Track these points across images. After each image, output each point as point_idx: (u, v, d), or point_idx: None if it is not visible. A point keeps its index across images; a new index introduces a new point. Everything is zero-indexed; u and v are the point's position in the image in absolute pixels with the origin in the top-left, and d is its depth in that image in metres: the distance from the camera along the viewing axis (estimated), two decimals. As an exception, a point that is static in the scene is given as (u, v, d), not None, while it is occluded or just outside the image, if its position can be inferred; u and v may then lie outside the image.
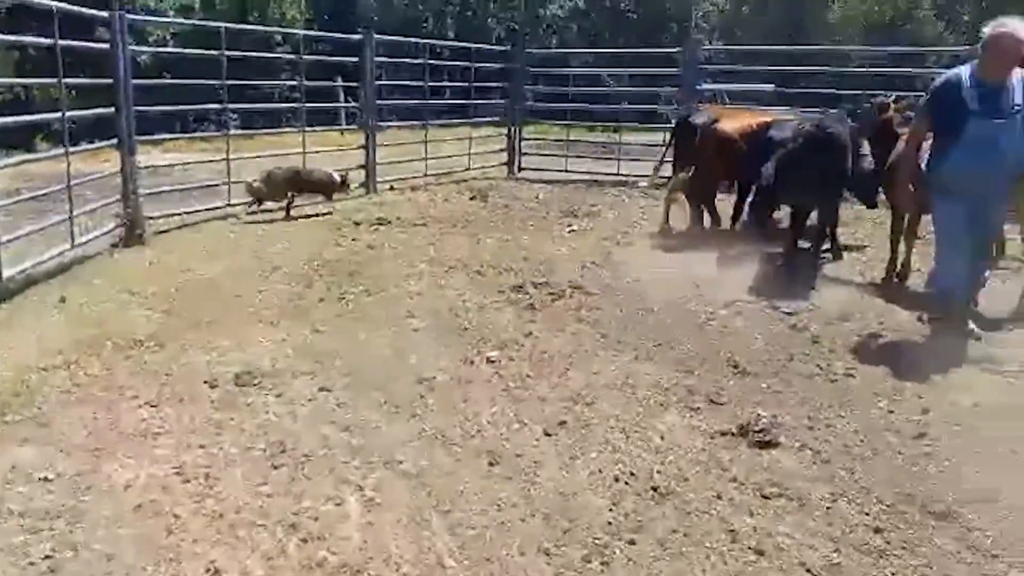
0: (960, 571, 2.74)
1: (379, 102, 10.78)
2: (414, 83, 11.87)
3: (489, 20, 34.10)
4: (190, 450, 3.46)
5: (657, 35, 31.17)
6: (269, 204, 8.50)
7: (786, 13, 37.47)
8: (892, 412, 3.93)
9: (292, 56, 11.47)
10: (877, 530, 2.96)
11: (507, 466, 3.40)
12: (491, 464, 3.41)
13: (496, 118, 12.95)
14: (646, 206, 9.39)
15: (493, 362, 4.52)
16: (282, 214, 8.40)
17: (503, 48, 14.25)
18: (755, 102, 16.29)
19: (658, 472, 3.36)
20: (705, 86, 15.54)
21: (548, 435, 3.68)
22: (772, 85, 16.19)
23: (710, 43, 33.14)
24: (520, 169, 12.22)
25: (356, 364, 4.40)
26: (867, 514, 3.07)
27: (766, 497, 3.17)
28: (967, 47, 11.29)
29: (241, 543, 2.83)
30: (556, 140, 13.02)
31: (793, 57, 17.45)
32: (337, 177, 8.72)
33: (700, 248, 6.97)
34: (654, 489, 3.22)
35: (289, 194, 8.44)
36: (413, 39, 12.94)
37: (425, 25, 31.93)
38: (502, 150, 12.28)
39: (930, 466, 3.43)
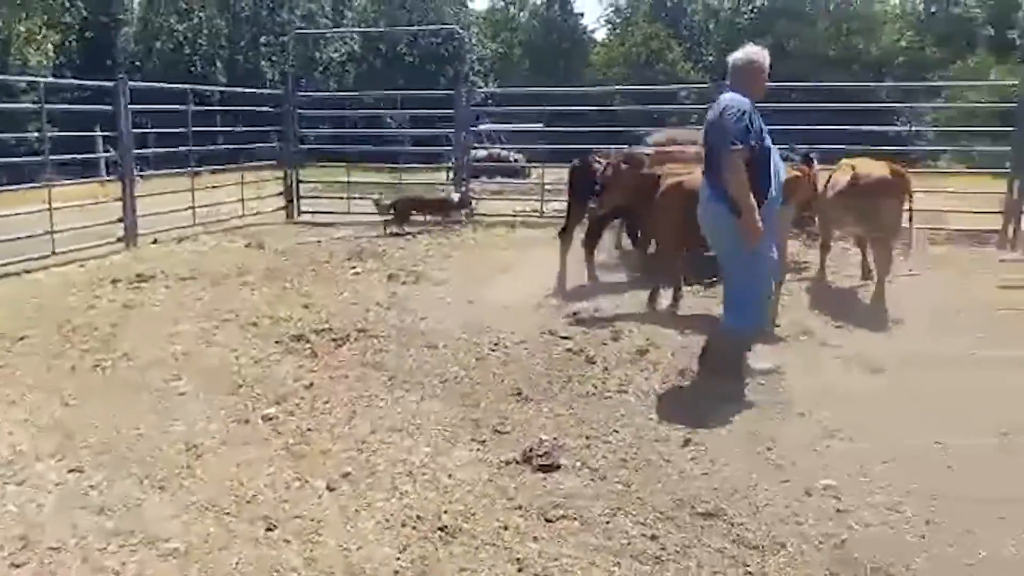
0: (727, 566, 2.92)
1: (140, 151, 10.06)
2: (177, 129, 11.21)
3: (262, 63, 33.26)
4: (-95, 560, 2.94)
5: (434, 78, 31.92)
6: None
7: (552, 57, 39.84)
8: (661, 423, 4.16)
9: (34, 105, 10.45)
10: (653, 537, 3.10)
11: (286, 529, 3.20)
12: (268, 530, 3.19)
13: (272, 162, 12.54)
14: (430, 244, 9.45)
15: (270, 419, 4.28)
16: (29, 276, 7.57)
17: (274, 91, 13.85)
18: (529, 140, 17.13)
19: (445, 512, 3.30)
20: (482, 126, 16.09)
21: (331, 490, 3.51)
22: (540, 124, 17.11)
23: (485, 85, 34.47)
24: (300, 213, 11.89)
25: (112, 438, 3.99)
26: (643, 523, 3.20)
27: (550, 520, 3.22)
28: (714, 82, 12.57)
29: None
30: (337, 182, 12.83)
31: (561, 97, 18.47)
32: (455, 197, 10.67)
33: (486, 282, 7.11)
34: (442, 529, 3.16)
35: (411, 213, 10.42)
36: (173, 84, 12.28)
37: (193, 69, 30.53)
38: (280, 194, 11.90)
39: (695, 470, 3.65)
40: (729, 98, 4.46)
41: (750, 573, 2.86)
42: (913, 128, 22.12)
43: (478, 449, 3.89)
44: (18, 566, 2.94)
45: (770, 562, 2.92)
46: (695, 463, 3.71)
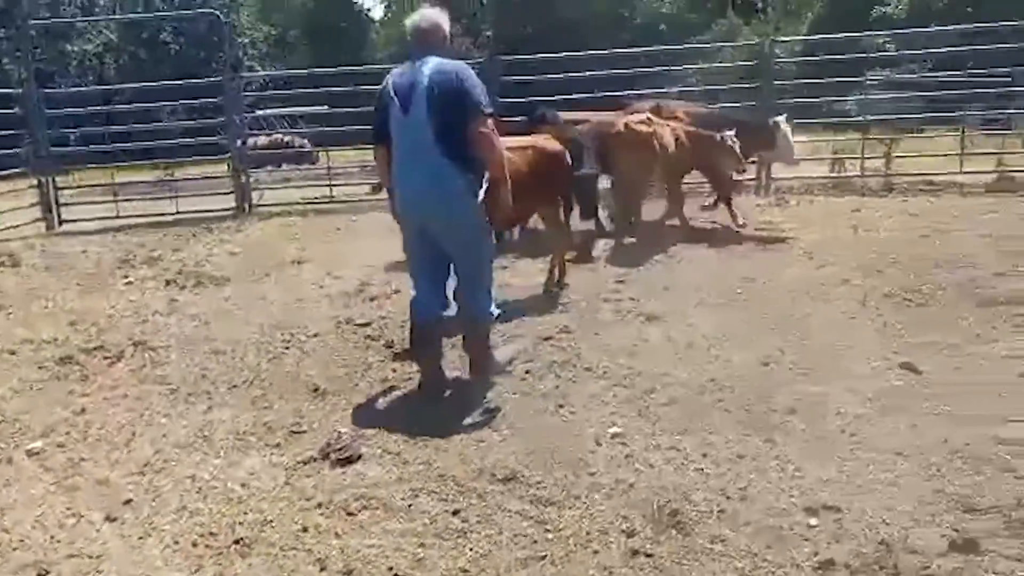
0: (527, 527, 3.01)
1: None
2: None
3: (4, 60, 29.69)
4: None
5: (205, 65, 29.98)
6: None
7: (333, 37, 38.74)
8: (460, 397, 4.22)
9: None
10: (455, 512, 3.12)
11: (62, 572, 2.91)
12: (40, 575, 2.90)
13: (20, 169, 11.26)
14: (212, 242, 8.94)
15: (36, 454, 3.87)
16: None
17: (12, 90, 12.40)
18: (314, 123, 16.59)
19: (240, 523, 3.15)
20: (260, 112, 15.36)
21: (111, 520, 3.23)
22: (326, 107, 16.62)
23: (262, 69, 32.93)
24: (61, 222, 10.81)
25: None
26: (445, 500, 3.22)
27: (352, 514, 3.16)
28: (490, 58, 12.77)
29: None
30: (102, 185, 11.78)
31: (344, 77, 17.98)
32: None
33: (276, 277, 6.84)
34: (237, 542, 3.01)
35: None
36: None
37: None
38: (35, 204, 10.74)
39: (494, 437, 3.73)
40: (449, 61, 3.98)
41: (548, 530, 2.96)
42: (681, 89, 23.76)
43: (272, 453, 3.74)
44: None
45: (565, 516, 3.04)
46: (493, 431, 3.79)
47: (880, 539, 2.73)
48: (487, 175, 4.05)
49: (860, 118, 12.66)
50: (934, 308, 5.19)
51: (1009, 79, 12.77)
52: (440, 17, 4.14)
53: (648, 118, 7.30)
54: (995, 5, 23.78)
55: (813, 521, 2.87)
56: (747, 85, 11.43)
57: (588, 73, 14.07)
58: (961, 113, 12.32)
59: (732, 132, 7.22)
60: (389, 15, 45.18)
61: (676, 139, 7.24)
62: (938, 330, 4.80)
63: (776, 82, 10.84)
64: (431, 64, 3.92)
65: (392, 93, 3.96)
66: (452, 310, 4.37)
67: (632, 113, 7.83)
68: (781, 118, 7.93)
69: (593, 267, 6.60)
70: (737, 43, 24.01)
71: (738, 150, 7.17)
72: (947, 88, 13.98)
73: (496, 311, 4.34)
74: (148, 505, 3.34)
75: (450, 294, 4.36)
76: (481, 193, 4.03)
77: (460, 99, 3.85)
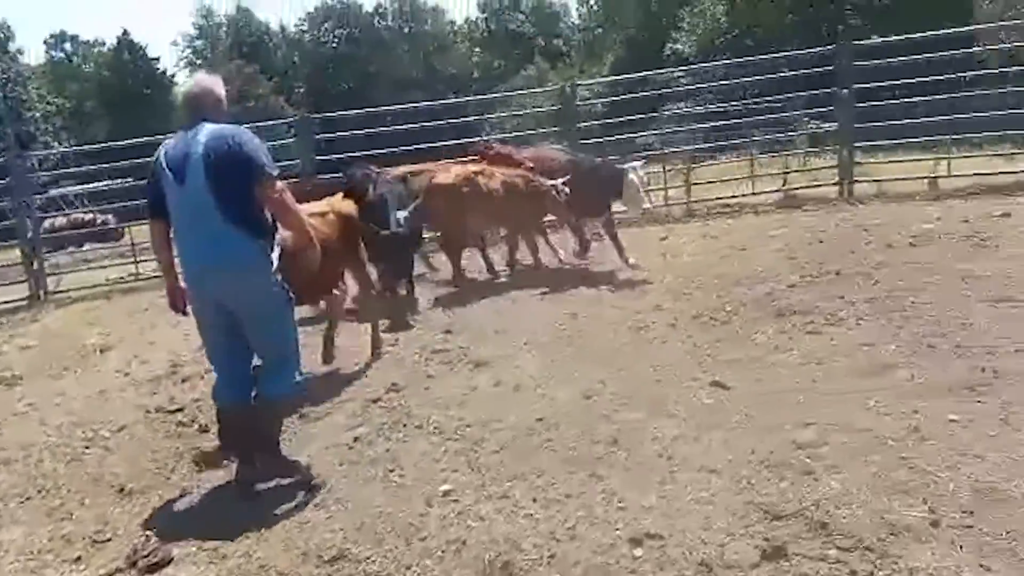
0: None
1: None
2: None
3: None
4: None
5: (-12, 143, 27.59)
6: None
7: (133, 104, 36.92)
8: (282, 479, 4.01)
9: None
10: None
11: None
12: None
13: None
14: (5, 339, 8.11)
15: None
16: None
17: None
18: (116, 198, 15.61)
19: (35, 655, 2.82)
20: (56, 191, 14.28)
21: None
22: (129, 179, 15.69)
23: (58, 144, 30.80)
24: None
25: None
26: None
27: (164, 623, 2.91)
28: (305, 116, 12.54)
29: None
30: None
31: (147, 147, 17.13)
32: None
33: (76, 370, 6.30)
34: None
35: None
36: None
37: None
38: None
39: (320, 515, 3.57)
40: (225, 126, 3.74)
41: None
42: (496, 137, 24.49)
43: (72, 570, 3.38)
44: None
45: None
46: (319, 509, 3.63)
47: (700, 560, 2.82)
48: (279, 239, 3.86)
49: (660, 150, 13.46)
50: (736, 324, 5.54)
51: (782, 105, 14.07)
52: (212, 82, 3.94)
53: (475, 169, 7.38)
54: (772, 38, 26.39)
55: (638, 552, 2.94)
56: (554, 129, 11.92)
57: (405, 126, 14.20)
58: (746, 140, 13.38)
59: (563, 180, 7.42)
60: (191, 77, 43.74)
61: (505, 187, 7.34)
62: (741, 345, 5.13)
63: (583, 123, 11.39)
64: (205, 131, 3.68)
65: (164, 165, 3.69)
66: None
67: (469, 160, 7.82)
68: (636, 164, 8.03)
69: (422, 319, 6.55)
70: (539, 89, 25.06)
71: (563, 198, 7.40)
72: (734, 117, 15.21)
73: (300, 379, 4.00)
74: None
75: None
76: (275, 257, 3.78)
77: (240, 163, 3.63)
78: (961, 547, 2.74)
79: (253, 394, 3.93)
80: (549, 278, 7.47)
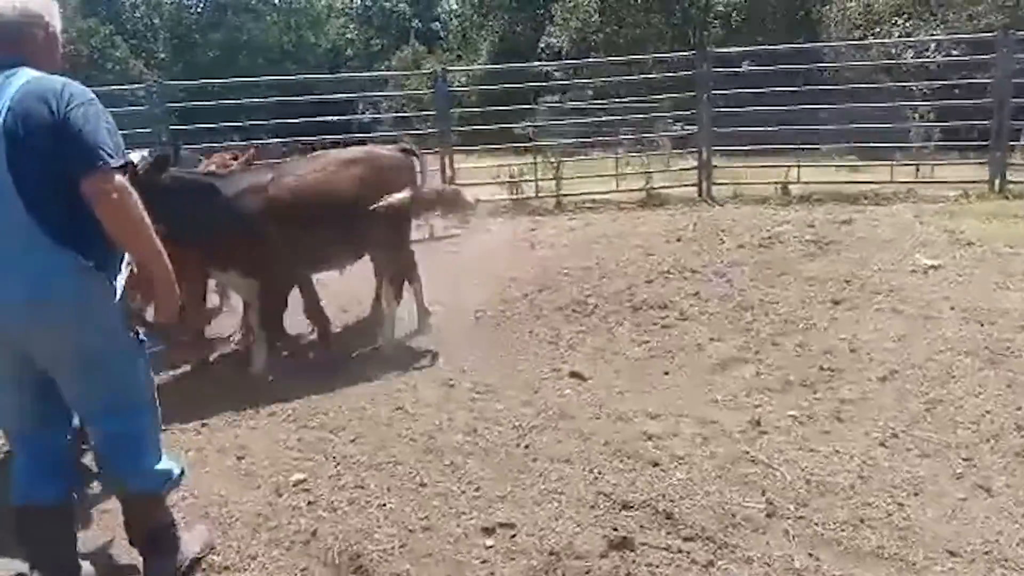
0: None
1: None
2: None
3: None
4: None
5: None
6: None
7: None
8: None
9: None
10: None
11: None
12: None
13: None
14: None
15: None
16: None
17: None
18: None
19: None
20: None
21: None
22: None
23: None
24: None
25: None
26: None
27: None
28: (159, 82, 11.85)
29: None
30: None
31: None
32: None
33: None
34: None
35: None
36: None
37: None
38: None
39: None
40: (49, 78, 2.47)
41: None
42: (372, 116, 24.06)
43: None
44: None
45: (243, 579, 2.84)
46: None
47: (549, 549, 2.87)
48: (127, 259, 2.62)
49: (534, 142, 13.64)
50: (597, 317, 5.69)
51: (656, 105, 14.56)
52: (42, 5, 2.60)
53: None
54: (642, 39, 27.28)
55: (489, 542, 2.95)
56: (425, 113, 11.84)
57: (276, 99, 13.69)
58: (613, 139, 13.77)
59: None
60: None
61: None
62: (601, 337, 5.27)
63: (456, 110, 11.36)
64: (18, 82, 2.42)
65: None
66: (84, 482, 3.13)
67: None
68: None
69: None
70: (414, 72, 24.85)
71: None
72: (605, 114, 15.60)
73: (176, 470, 2.82)
74: None
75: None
76: (119, 287, 2.57)
77: (63, 141, 2.37)
78: (794, 537, 2.92)
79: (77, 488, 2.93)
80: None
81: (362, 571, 2.83)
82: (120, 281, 2.58)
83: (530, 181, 11.29)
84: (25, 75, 2.45)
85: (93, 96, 2.49)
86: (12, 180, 2.36)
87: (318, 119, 11.94)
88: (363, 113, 24.68)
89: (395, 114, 23.91)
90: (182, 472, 2.85)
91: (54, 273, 2.41)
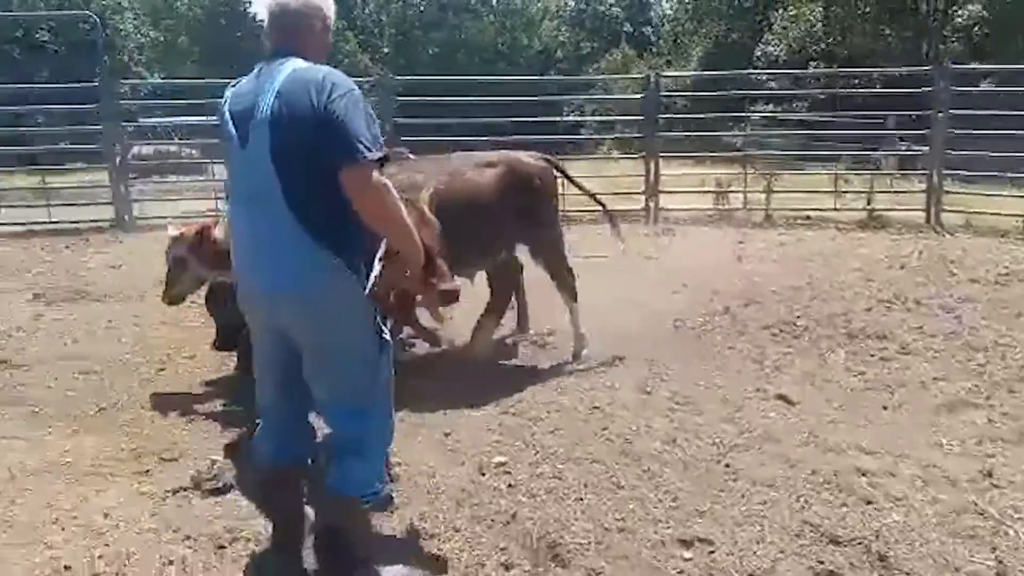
0: (408, 555, 2.94)
1: None
2: None
3: None
4: None
5: (87, 67, 28.48)
6: None
7: (224, 46, 37.61)
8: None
9: None
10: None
11: None
12: None
13: None
14: (86, 255, 8.47)
15: None
16: None
17: None
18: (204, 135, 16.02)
19: (100, 557, 2.96)
20: (147, 121, 14.72)
21: (-43, 553, 2.98)
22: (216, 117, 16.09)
23: (151, 76, 31.64)
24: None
25: None
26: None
27: (222, 547, 3.02)
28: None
29: None
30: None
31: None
32: None
33: (151, 298, 6.52)
34: (95, 577, 2.83)
35: None
36: None
37: None
38: None
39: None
40: (314, 67, 2.53)
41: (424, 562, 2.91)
42: (576, 119, 24.42)
43: (140, 482, 3.54)
44: None
45: (445, 548, 3.00)
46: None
47: (750, 572, 2.81)
48: (381, 253, 2.58)
49: (744, 152, 13.23)
50: (807, 340, 5.44)
51: (881, 121, 13.66)
52: None
53: None
54: (868, 52, 25.62)
55: (687, 554, 2.93)
56: (636, 117, 11.80)
57: (487, 99, 14.18)
58: (833, 153, 13.08)
59: None
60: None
61: None
62: (812, 361, 5.03)
63: (664, 116, 11.23)
64: (287, 70, 2.50)
65: (227, 115, 2.58)
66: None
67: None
68: None
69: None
70: (625, 76, 24.76)
71: None
72: (824, 128, 14.85)
73: (382, 489, 2.88)
74: (0, 535, 3.10)
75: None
76: (370, 283, 2.55)
77: (324, 131, 2.39)
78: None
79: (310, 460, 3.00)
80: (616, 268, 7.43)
81: (559, 560, 2.90)
82: (370, 281, 2.55)
83: (738, 192, 10.98)
84: (292, 64, 2.52)
85: (354, 86, 2.50)
86: (275, 170, 2.45)
87: (524, 120, 12.20)
88: (568, 116, 25.10)
89: (600, 117, 24.11)
90: (389, 498, 2.90)
91: (314, 270, 2.48)
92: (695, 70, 30.07)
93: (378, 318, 2.62)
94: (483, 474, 3.58)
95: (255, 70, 2.62)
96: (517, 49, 40.29)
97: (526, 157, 5.09)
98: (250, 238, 2.60)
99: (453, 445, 3.88)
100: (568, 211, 10.46)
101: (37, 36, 30.19)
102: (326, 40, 2.72)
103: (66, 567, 2.90)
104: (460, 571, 2.85)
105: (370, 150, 2.40)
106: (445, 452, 3.81)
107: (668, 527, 3.11)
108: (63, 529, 3.17)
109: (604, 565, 2.87)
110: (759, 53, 29.76)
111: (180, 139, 17.62)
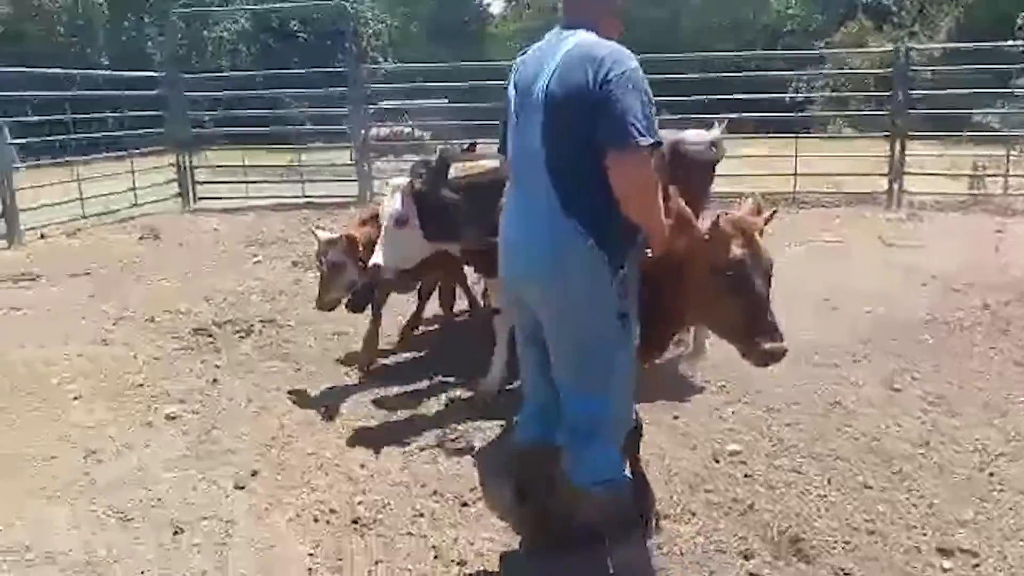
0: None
1: (13, 141, 9.42)
2: (54, 117, 10.58)
3: (148, 44, 31.63)
4: None
5: (331, 54, 31.03)
6: None
7: (453, 32, 39.36)
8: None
9: None
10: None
11: (195, 533, 3.09)
12: (176, 533, 3.08)
13: (161, 148, 11.95)
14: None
15: (173, 419, 4.11)
16: None
17: (158, 74, 13.12)
18: (435, 116, 16.92)
19: (360, 503, 3.26)
20: (383, 104, 15.78)
21: (240, 488, 3.41)
22: (445, 100, 16.92)
23: (385, 61, 33.78)
24: (197, 200, 11.44)
25: (4, 446, 3.76)
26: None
27: (466, 505, 3.22)
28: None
29: None
30: (233, 166, 12.40)
31: (465, 73, 18.29)
32: None
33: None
34: (355, 522, 3.12)
35: None
36: (42, 69, 11.62)
37: (73, 51, 28.81)
38: (173, 181, 11.40)
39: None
40: (596, 41, 2.38)
41: (660, 543, 2.92)
42: (805, 95, 23.00)
43: (393, 436, 3.84)
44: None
45: (682, 531, 2.99)
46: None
47: (1023, 590, 2.56)
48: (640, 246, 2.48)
49: (1003, 131, 11.87)
50: (1085, 343, 4.82)
51: None
52: None
53: None
54: None
55: (947, 564, 2.72)
56: (879, 93, 10.94)
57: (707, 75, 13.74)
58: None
59: None
60: (508, 10, 45.49)
61: None
62: (1090, 368, 4.46)
63: (914, 92, 10.32)
64: (570, 43, 2.40)
65: (512, 85, 2.57)
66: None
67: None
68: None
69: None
70: (866, 50, 22.85)
71: None
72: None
73: (616, 477, 2.61)
74: (274, 478, 3.49)
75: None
76: (623, 273, 2.42)
77: (596, 111, 2.28)
78: None
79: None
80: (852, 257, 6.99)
81: (802, 556, 2.79)
82: (620, 273, 2.41)
83: (996, 176, 9.88)
84: (576, 38, 2.40)
85: (635, 65, 2.32)
86: (541, 138, 2.39)
87: (748, 97, 11.65)
88: (797, 92, 23.67)
89: (830, 93, 22.54)
90: (627, 484, 2.64)
91: (565, 252, 2.38)
92: (943, 42, 27.26)
93: (623, 304, 2.46)
94: (717, 461, 3.52)
95: (547, 37, 2.53)
96: (743, 25, 38.61)
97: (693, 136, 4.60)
98: (514, 212, 2.60)
99: (684, 429, 3.85)
100: (798, 192, 10.07)
101: (291, 26, 33.21)
102: (618, 15, 2.56)
103: (331, 510, 3.21)
104: (697, 556, 2.83)
105: (643, 135, 2.24)
106: (676, 436, 3.79)
107: (924, 534, 2.90)
108: (327, 475, 3.52)
109: (852, 566, 2.73)
110: (1021, 23, 26.38)
111: (412, 121, 18.72)
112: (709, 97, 10.83)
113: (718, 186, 5.17)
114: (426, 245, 3.84)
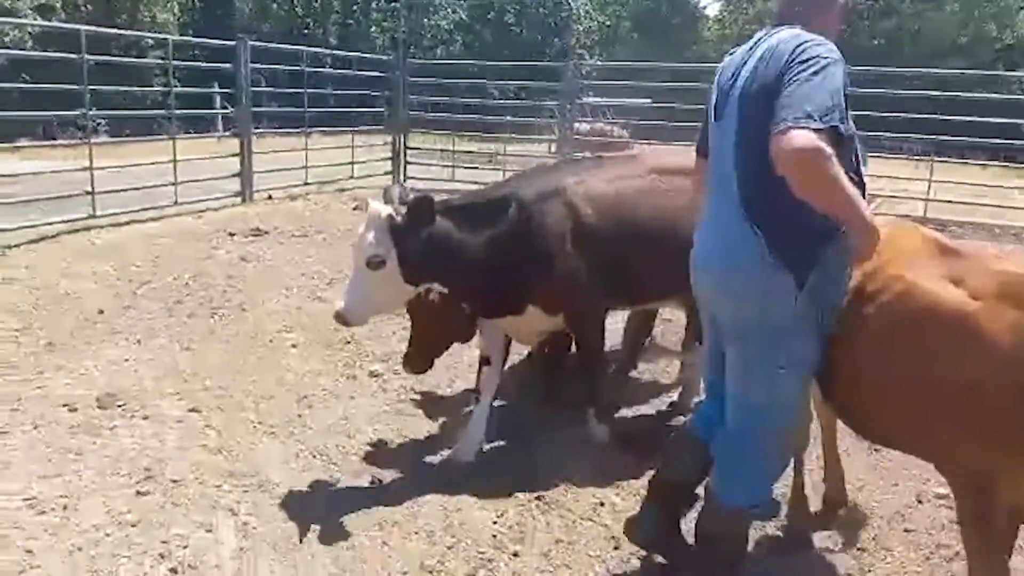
0: (829, 562, 2.85)
1: (255, 109, 10.41)
2: (293, 90, 11.56)
3: (372, 29, 33.82)
4: (44, 480, 3.18)
5: (540, 49, 31.77)
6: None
7: (661, 31, 38.97)
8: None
9: (161, 61, 10.99)
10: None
11: (390, 485, 3.31)
12: (373, 483, 3.32)
13: (380, 126, 12.77)
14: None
15: (376, 375, 4.42)
16: (152, 224, 7.98)
17: (385, 57, 14.04)
18: (636, 116, 16.86)
19: (544, 485, 3.35)
20: (587, 99, 15.96)
21: (431, 453, 3.61)
22: (649, 100, 16.82)
23: (591, 58, 34.08)
24: (406, 178, 12.11)
25: (229, 384, 4.19)
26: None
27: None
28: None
29: (101, 578, 2.62)
30: (442, 150, 13.01)
31: (672, 73, 18.09)
32: None
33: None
34: (539, 499, 3.21)
35: None
36: (290, 46, 12.65)
37: (306, 32, 31.37)
38: (387, 158, 12.15)
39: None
40: (797, 35, 2.23)
41: (850, 573, 2.79)
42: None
43: (582, 423, 3.91)
44: (142, 495, 3.13)
45: (875, 566, 2.84)
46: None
47: None
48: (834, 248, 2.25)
49: None
50: None
51: None
52: None
53: None
54: None
55: None
56: None
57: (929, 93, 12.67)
58: None
59: None
60: (725, 13, 44.37)
61: None
62: None
63: None
64: (771, 40, 2.28)
65: (714, 87, 2.48)
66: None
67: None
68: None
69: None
70: None
71: None
72: None
73: (757, 503, 2.52)
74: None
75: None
76: (811, 280, 2.24)
77: (768, 97, 2.14)
78: None
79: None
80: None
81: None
82: (806, 283, 2.23)
83: None
84: (779, 35, 2.27)
85: (830, 56, 2.14)
86: (736, 146, 2.30)
87: (975, 120, 10.59)
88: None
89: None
90: (774, 505, 2.59)
91: (739, 253, 2.29)
92: None
93: (804, 326, 2.28)
94: (920, 502, 3.30)
95: (753, 38, 2.41)
96: (982, 42, 35.39)
97: None
98: (705, 219, 2.50)
99: (885, 465, 3.63)
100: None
101: (505, 19, 34.27)
102: (831, 6, 2.40)
103: (517, 489, 3.30)
104: (893, 594, 2.69)
105: (810, 117, 2.02)
106: (875, 470, 3.58)
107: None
108: (514, 455, 3.65)
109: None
110: None
111: (612, 119, 18.80)
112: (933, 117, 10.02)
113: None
114: (406, 289, 3.30)
